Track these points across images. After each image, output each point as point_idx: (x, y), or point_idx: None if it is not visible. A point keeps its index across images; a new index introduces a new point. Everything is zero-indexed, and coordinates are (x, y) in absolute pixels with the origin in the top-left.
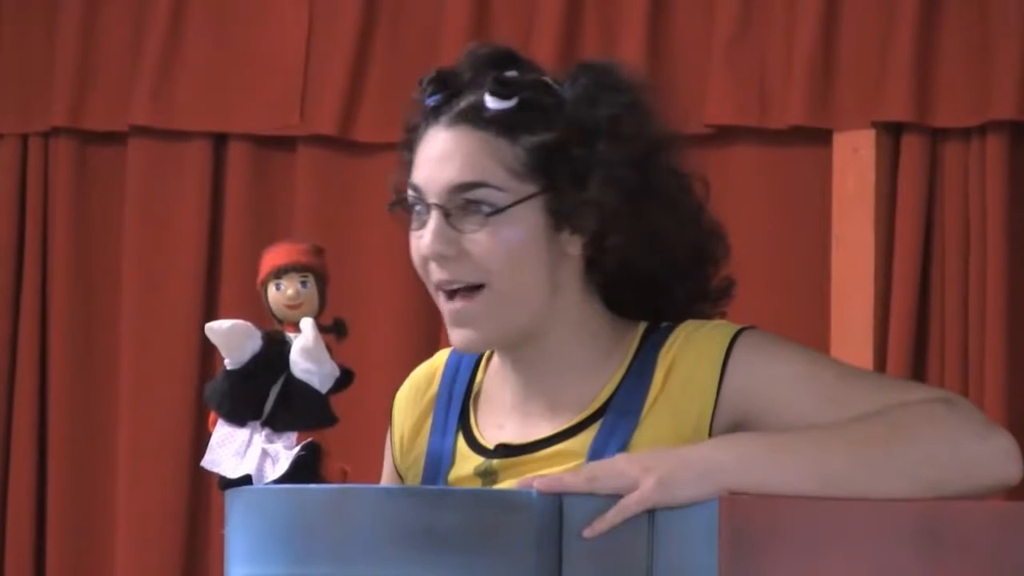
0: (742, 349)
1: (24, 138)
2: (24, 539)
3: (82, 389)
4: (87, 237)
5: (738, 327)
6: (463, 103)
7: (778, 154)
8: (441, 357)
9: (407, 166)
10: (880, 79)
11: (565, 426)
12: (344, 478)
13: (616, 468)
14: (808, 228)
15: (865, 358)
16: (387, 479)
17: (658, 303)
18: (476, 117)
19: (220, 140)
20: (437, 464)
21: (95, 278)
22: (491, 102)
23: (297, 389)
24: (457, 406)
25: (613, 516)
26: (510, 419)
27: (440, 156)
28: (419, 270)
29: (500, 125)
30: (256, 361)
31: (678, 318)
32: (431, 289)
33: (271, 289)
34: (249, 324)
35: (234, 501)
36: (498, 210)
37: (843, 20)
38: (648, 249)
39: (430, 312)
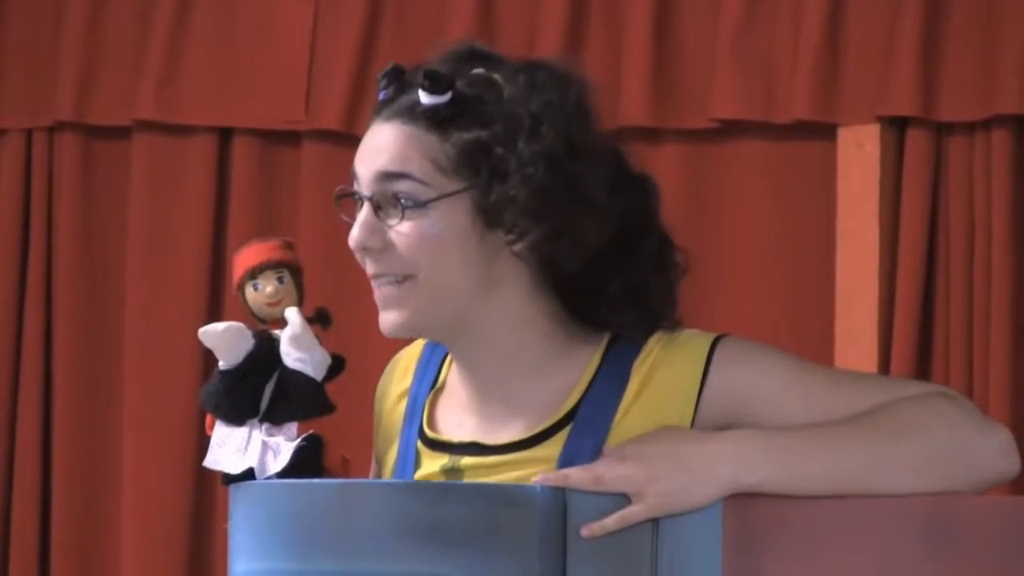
0: (721, 358)
1: (29, 133)
2: (29, 533)
3: (86, 383)
4: (92, 232)
5: (713, 336)
6: (403, 98)
7: (783, 148)
8: (416, 347)
9: None
10: (885, 73)
11: (535, 431)
12: (346, 467)
13: (622, 471)
14: (813, 222)
15: (869, 353)
16: (372, 465)
17: (597, 306)
18: (410, 112)
19: (225, 135)
20: (404, 462)
21: (100, 273)
22: (423, 97)
23: (292, 380)
24: (420, 406)
25: (613, 524)
26: (468, 417)
27: (373, 147)
28: (357, 259)
29: (431, 119)
30: (250, 360)
31: (628, 328)
32: (369, 279)
33: (248, 290)
34: (242, 325)
35: (237, 496)
36: (419, 204)
37: (848, 14)
38: (568, 249)
39: None
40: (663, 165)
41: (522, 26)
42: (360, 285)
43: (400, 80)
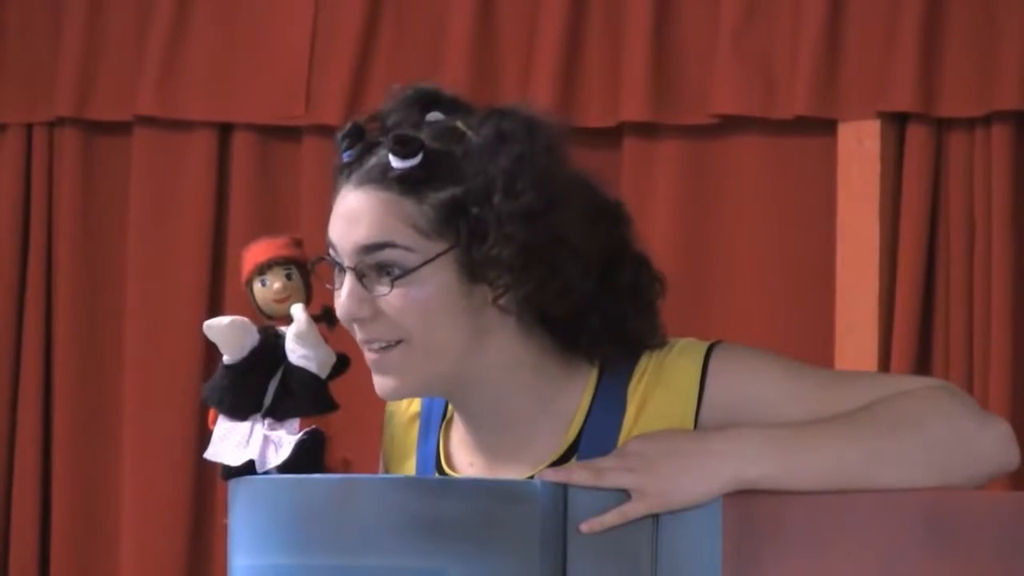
0: (717, 368)
1: (29, 128)
2: (29, 528)
3: (87, 379)
4: (92, 227)
5: (705, 346)
6: (372, 160)
7: (783, 144)
8: None
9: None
10: (885, 69)
11: (538, 469)
12: (347, 467)
13: (624, 465)
14: (813, 218)
15: (870, 348)
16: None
17: (578, 341)
18: (382, 177)
19: (225, 130)
20: None
21: (100, 268)
22: (394, 162)
23: (296, 376)
24: (435, 435)
25: (612, 519)
26: (476, 456)
27: (349, 217)
28: (344, 325)
29: (405, 184)
30: (254, 356)
31: (612, 359)
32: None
33: (256, 286)
34: (247, 320)
35: (237, 491)
36: (406, 272)
37: (848, 10)
38: (555, 297)
39: None
40: (663, 161)
41: (522, 22)
42: None
43: (362, 139)
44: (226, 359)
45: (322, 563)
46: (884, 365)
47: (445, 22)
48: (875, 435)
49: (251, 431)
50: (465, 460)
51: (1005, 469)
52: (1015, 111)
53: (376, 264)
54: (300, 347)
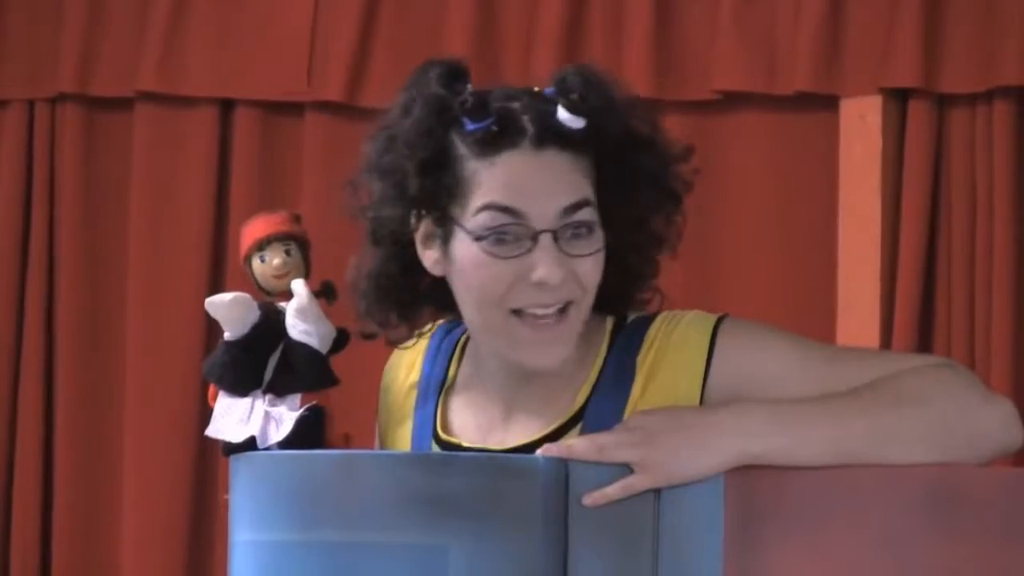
0: (724, 342)
1: (31, 104)
2: (31, 497)
3: (88, 355)
4: (94, 203)
5: (713, 319)
6: (535, 124)
7: (785, 120)
8: (421, 344)
9: (440, 189)
10: (887, 45)
11: (544, 433)
12: (347, 443)
13: (626, 440)
14: (814, 194)
15: (871, 325)
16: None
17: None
18: (558, 138)
19: (227, 106)
20: None
21: (102, 243)
22: (571, 121)
23: (296, 351)
24: (433, 402)
25: (615, 492)
26: (481, 418)
27: (545, 181)
28: (491, 295)
29: (580, 145)
30: (255, 332)
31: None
32: (501, 314)
33: (255, 262)
34: (248, 296)
35: (239, 467)
36: (594, 228)
37: None
38: (647, 250)
39: None
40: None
41: (525, 8)
42: None
43: (487, 108)
44: (227, 335)
45: (323, 539)
46: (885, 342)
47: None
48: (878, 411)
49: (252, 407)
50: (468, 423)
51: (1008, 448)
52: (1017, 87)
53: (574, 223)
54: (301, 322)
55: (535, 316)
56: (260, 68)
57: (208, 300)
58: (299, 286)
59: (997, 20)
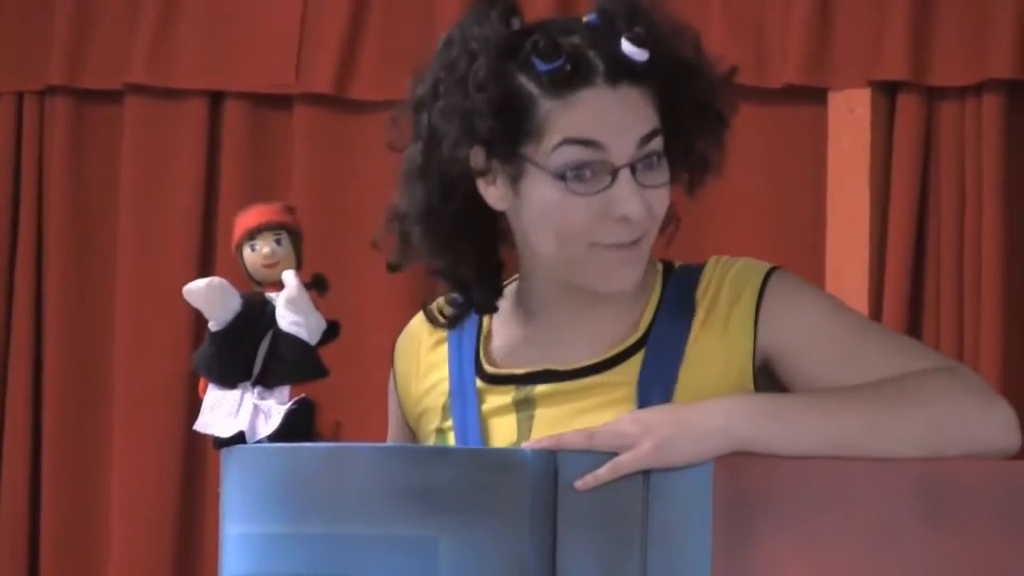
0: (774, 289)
1: (20, 96)
2: (19, 490)
3: (77, 347)
4: (83, 195)
5: (767, 266)
6: (603, 62)
7: (774, 112)
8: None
9: (512, 128)
10: (876, 37)
11: (610, 354)
12: (338, 431)
13: (616, 428)
14: (803, 186)
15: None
16: (395, 430)
17: None
18: (628, 71)
19: (216, 98)
20: (464, 402)
21: (91, 236)
22: (637, 55)
23: (286, 343)
24: (470, 347)
25: (606, 473)
26: (533, 351)
27: (621, 114)
28: (573, 230)
29: (645, 76)
30: (240, 321)
31: None
32: (581, 248)
33: (246, 251)
34: (223, 280)
35: (229, 460)
36: (662, 157)
37: None
38: (697, 174)
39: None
40: None
41: None
42: (351, 248)
43: (559, 48)
44: (211, 325)
45: (313, 531)
46: None
47: None
48: (875, 408)
49: (241, 400)
50: (519, 357)
51: (1007, 452)
52: (1006, 80)
53: (648, 155)
54: (291, 313)
55: (614, 246)
56: (249, 61)
57: (186, 288)
58: (289, 277)
59: (986, 13)
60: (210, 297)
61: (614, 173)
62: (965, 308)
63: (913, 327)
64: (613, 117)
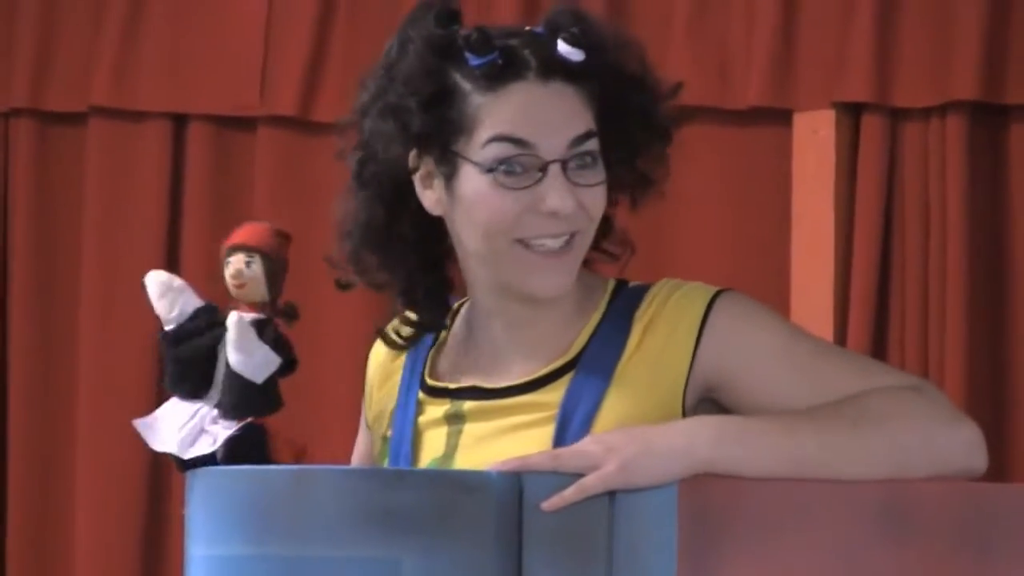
0: (720, 313)
1: None
2: None
3: (41, 369)
4: (47, 217)
5: (716, 289)
6: (538, 57)
7: (738, 134)
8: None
9: (445, 125)
10: (840, 59)
11: (536, 375)
12: (302, 454)
13: (581, 449)
14: (768, 208)
15: (824, 338)
16: (360, 436)
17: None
18: (562, 69)
19: (180, 121)
20: (404, 411)
21: (55, 258)
22: (571, 54)
23: (232, 379)
24: (422, 358)
25: (572, 494)
26: (472, 364)
27: (551, 111)
28: (500, 225)
29: (580, 77)
30: (189, 324)
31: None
32: (507, 243)
33: (225, 268)
34: (186, 285)
35: (195, 482)
36: (598, 158)
37: (803, 0)
38: (637, 187)
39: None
40: None
41: (477, 11)
42: (313, 271)
43: (492, 43)
44: (164, 325)
45: (278, 553)
46: None
47: (400, 12)
48: (835, 429)
49: (192, 416)
50: (457, 370)
51: (971, 472)
52: (970, 101)
53: (581, 154)
54: (234, 352)
55: (543, 247)
56: (213, 83)
57: (147, 274)
58: (232, 318)
59: (950, 35)
60: (163, 291)
61: (544, 168)
62: (930, 327)
63: (878, 347)
64: (544, 113)
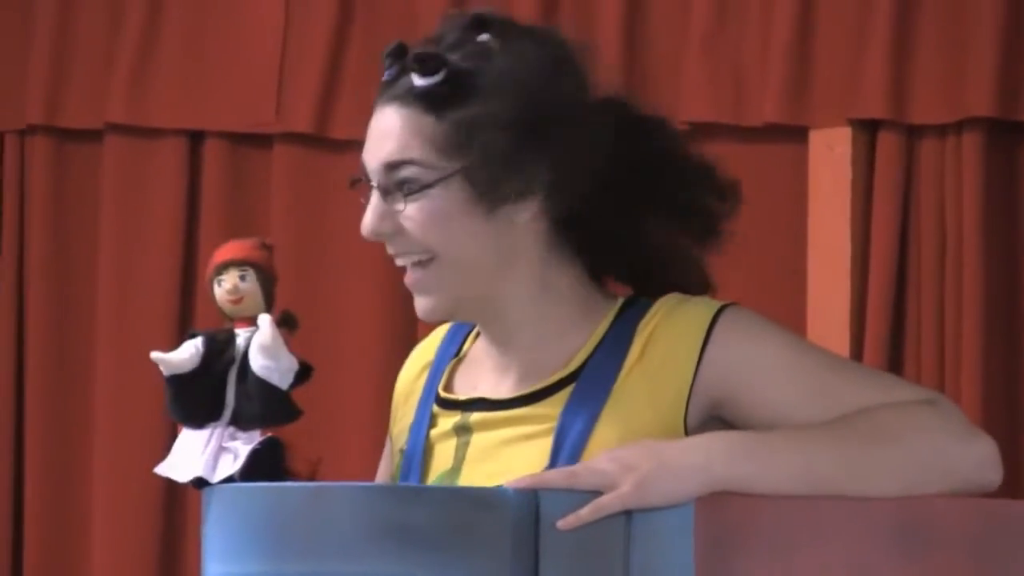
0: (724, 327)
1: (0, 136)
2: (1, 531)
3: (59, 387)
4: (64, 235)
5: (721, 303)
6: (403, 79)
7: (754, 151)
8: (443, 328)
9: None
10: (856, 76)
11: (537, 387)
12: (316, 467)
13: (597, 467)
14: (784, 225)
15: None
16: (385, 449)
17: (606, 270)
18: (407, 94)
19: (196, 137)
20: (419, 424)
21: (72, 276)
22: (416, 79)
23: (257, 387)
24: (441, 372)
25: (588, 513)
26: (485, 379)
27: (377, 134)
28: (371, 239)
29: (426, 101)
30: (201, 362)
31: (658, 281)
32: None
33: (215, 286)
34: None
35: (211, 499)
36: (421, 187)
37: (819, 16)
38: (570, 202)
39: (406, 306)
40: None
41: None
42: (330, 288)
43: (403, 59)
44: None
45: (294, 570)
46: None
47: (415, 29)
48: (849, 445)
49: (209, 440)
50: (470, 384)
51: (986, 487)
52: (986, 118)
53: (397, 181)
54: (262, 357)
55: (400, 265)
56: (229, 100)
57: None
58: (264, 321)
59: (966, 52)
60: (167, 365)
61: (371, 188)
62: (947, 345)
63: (894, 363)
64: (372, 137)
